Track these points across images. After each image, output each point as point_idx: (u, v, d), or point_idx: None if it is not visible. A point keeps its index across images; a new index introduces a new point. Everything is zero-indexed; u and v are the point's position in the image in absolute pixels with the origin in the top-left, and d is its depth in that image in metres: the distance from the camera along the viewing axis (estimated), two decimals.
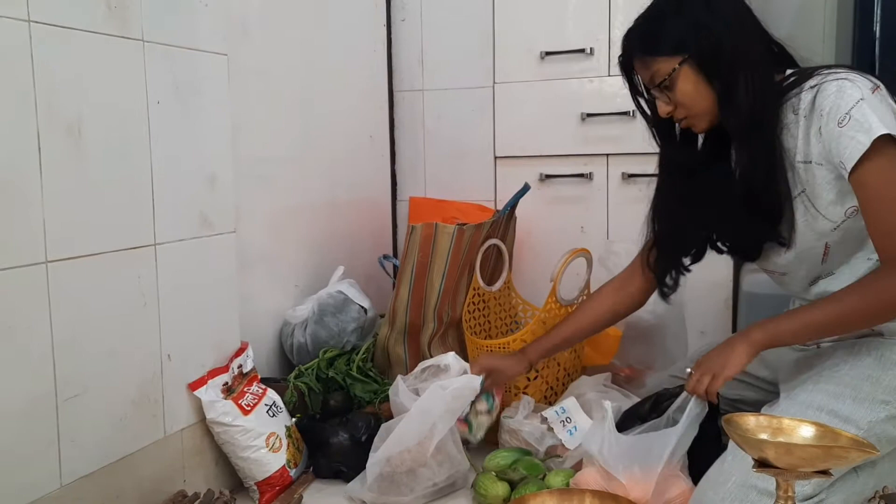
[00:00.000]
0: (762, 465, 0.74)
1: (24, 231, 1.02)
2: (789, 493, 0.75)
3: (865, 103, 1.05)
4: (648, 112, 1.29)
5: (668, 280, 1.36)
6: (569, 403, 1.50)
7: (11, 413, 1.01)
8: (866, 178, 1.06)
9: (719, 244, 1.33)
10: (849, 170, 1.06)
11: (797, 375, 1.20)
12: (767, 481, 1.02)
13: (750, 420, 0.78)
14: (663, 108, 1.22)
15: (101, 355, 1.15)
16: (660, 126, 1.29)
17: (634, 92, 1.29)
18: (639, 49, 1.22)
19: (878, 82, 1.10)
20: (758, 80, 1.15)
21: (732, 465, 1.07)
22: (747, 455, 0.82)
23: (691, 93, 1.17)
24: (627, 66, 1.26)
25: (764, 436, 0.76)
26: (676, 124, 1.26)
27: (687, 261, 1.36)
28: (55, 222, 1.06)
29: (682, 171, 1.30)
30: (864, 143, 1.04)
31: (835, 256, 1.19)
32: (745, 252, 1.32)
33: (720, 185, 1.25)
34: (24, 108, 1.01)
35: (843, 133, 1.06)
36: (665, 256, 1.35)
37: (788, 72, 1.18)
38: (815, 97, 1.10)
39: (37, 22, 1.02)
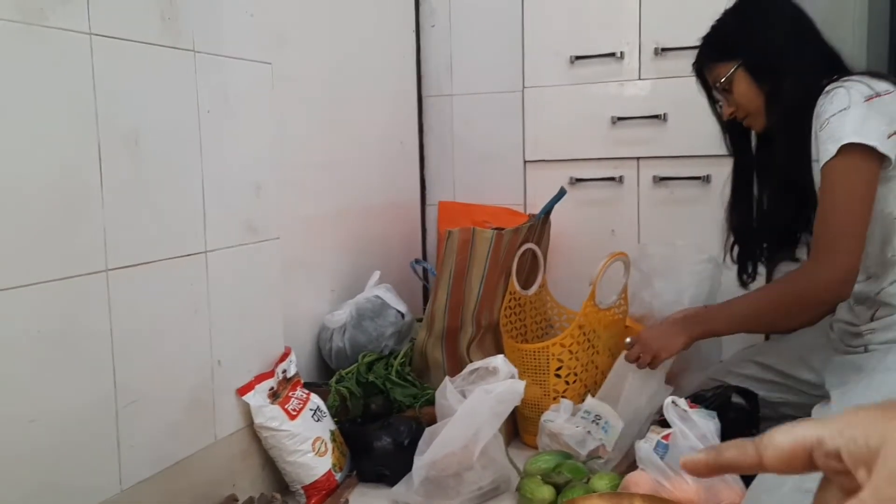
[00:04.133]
0: None
1: (87, 240, 1.04)
2: None
3: (848, 112, 1.14)
4: (720, 116, 1.44)
5: (748, 269, 1.50)
6: (590, 404, 1.50)
7: (75, 419, 1.02)
8: (824, 180, 1.16)
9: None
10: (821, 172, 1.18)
11: (847, 378, 1.21)
12: None
13: None
14: (726, 111, 1.36)
15: (157, 362, 1.17)
16: (732, 129, 1.43)
17: (708, 96, 1.44)
18: (703, 55, 1.37)
19: (891, 88, 1.13)
20: (803, 83, 1.23)
21: None
22: None
23: (746, 94, 1.31)
24: (701, 72, 1.40)
25: None
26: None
27: (766, 252, 1.48)
28: (114, 231, 1.08)
29: (750, 170, 1.44)
30: (831, 150, 1.13)
31: None
32: (788, 239, 1.44)
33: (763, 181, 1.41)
34: (86, 119, 1.03)
35: (821, 137, 1.17)
36: (743, 250, 1.49)
37: (835, 76, 1.21)
38: (822, 101, 1.20)
39: (97, 35, 1.04)
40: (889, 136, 1.12)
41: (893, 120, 1.13)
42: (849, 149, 1.11)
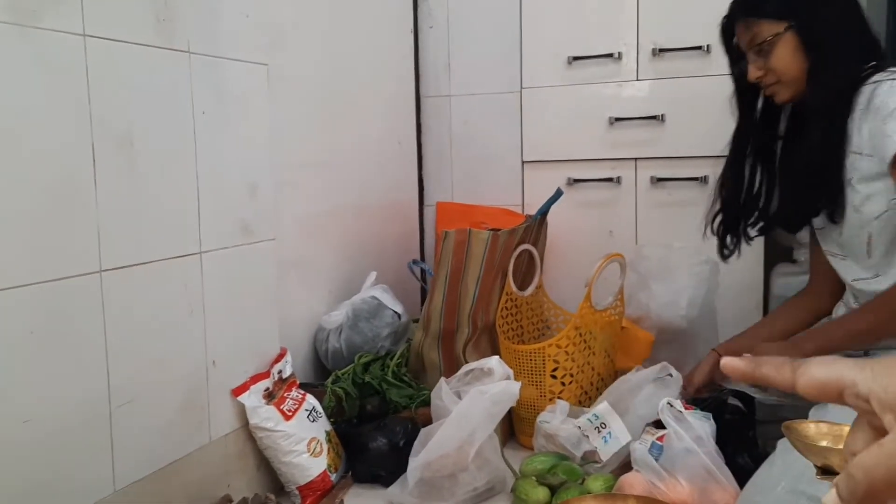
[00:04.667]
0: (825, 472, 0.74)
1: (81, 241, 1.04)
2: None
3: None
4: (738, 79, 1.38)
5: (728, 243, 1.48)
6: (602, 409, 1.51)
7: (69, 419, 1.03)
8: None
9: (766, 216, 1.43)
10: (888, 162, 1.13)
11: None
12: (816, 488, 1.03)
13: (810, 427, 0.78)
14: (754, 73, 1.29)
15: (151, 362, 1.17)
16: (744, 96, 1.39)
17: (729, 56, 1.38)
18: (745, 10, 1.30)
19: None
20: (848, 63, 1.23)
21: (782, 470, 1.08)
22: (796, 461, 0.82)
23: (786, 60, 1.25)
24: (728, 28, 1.35)
25: (825, 443, 0.77)
26: (759, 99, 1.37)
27: (752, 231, 1.46)
28: (109, 232, 1.08)
29: (752, 142, 1.41)
30: None
31: (876, 249, 1.24)
32: (790, 221, 1.41)
33: (784, 159, 1.38)
34: (80, 120, 1.03)
35: (886, 128, 1.13)
36: (728, 222, 1.47)
37: (870, 64, 1.22)
38: (872, 92, 1.17)
39: (91, 36, 1.04)
40: None
41: None
42: None
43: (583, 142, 2.06)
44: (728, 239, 1.48)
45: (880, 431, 0.34)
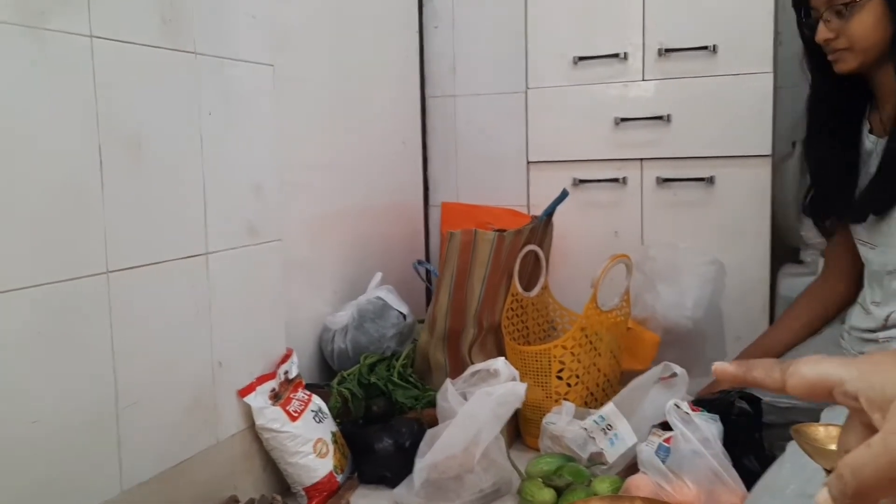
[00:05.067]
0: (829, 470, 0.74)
1: (88, 242, 1.04)
2: None
3: None
4: (807, 38, 1.32)
5: (826, 224, 1.43)
6: (608, 411, 1.50)
7: (76, 420, 1.03)
8: None
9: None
10: None
11: None
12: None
13: (820, 430, 0.78)
14: (823, 34, 1.22)
15: (158, 363, 1.17)
16: (815, 57, 1.32)
17: (797, 9, 1.32)
18: None
19: None
20: None
21: (791, 473, 1.07)
22: (806, 464, 0.82)
23: (868, 26, 1.19)
24: None
25: (834, 446, 0.76)
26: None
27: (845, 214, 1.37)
28: (115, 233, 1.08)
29: (831, 110, 1.34)
30: None
31: None
32: (868, 209, 1.30)
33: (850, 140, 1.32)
34: (87, 121, 1.03)
35: None
36: (818, 202, 1.40)
37: None
38: None
39: (98, 37, 1.04)
40: None
41: None
42: None
43: (588, 142, 2.06)
44: (824, 221, 1.41)
45: (871, 429, 0.35)
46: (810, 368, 0.37)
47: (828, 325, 1.52)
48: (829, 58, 1.27)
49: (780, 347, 1.53)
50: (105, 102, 1.06)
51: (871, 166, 1.32)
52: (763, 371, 0.39)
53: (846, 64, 1.24)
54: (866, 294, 1.38)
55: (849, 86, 1.32)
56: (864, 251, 1.36)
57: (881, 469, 0.32)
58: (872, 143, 1.33)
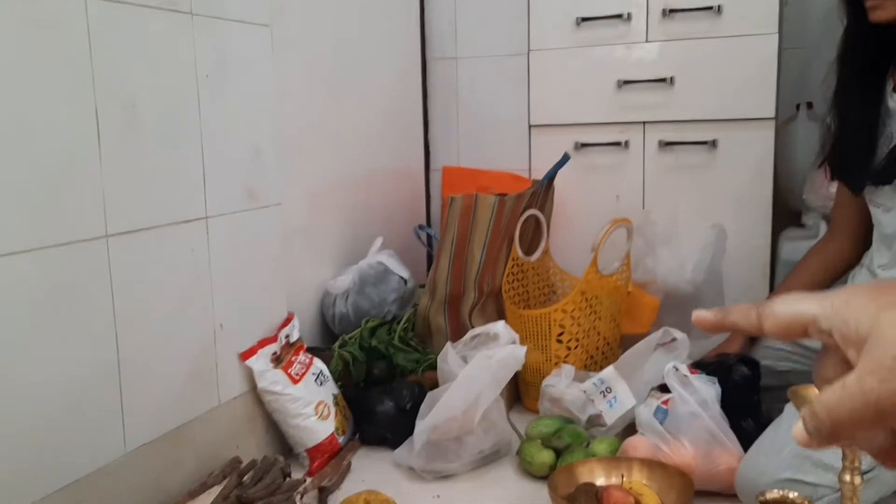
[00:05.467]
0: None
1: (86, 205, 1.04)
2: (856, 464, 0.76)
3: None
4: None
5: (853, 181, 1.35)
6: (607, 374, 1.51)
7: (79, 383, 1.04)
8: None
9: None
10: None
11: None
12: (821, 453, 1.03)
13: (816, 392, 0.79)
14: None
15: (159, 326, 1.18)
16: (852, 1, 1.27)
17: None
18: None
19: None
20: None
21: (788, 434, 1.08)
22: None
23: None
24: None
25: None
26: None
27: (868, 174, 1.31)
28: (114, 197, 1.07)
29: (862, 59, 1.28)
30: None
31: None
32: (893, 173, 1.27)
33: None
34: (82, 84, 1.02)
35: None
36: (839, 159, 1.35)
37: None
38: None
39: None
40: None
41: None
42: None
43: (590, 105, 2.04)
44: (846, 179, 1.36)
45: (847, 363, 0.35)
46: (784, 307, 0.37)
47: (833, 284, 1.51)
48: (868, 4, 1.21)
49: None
50: (101, 63, 1.04)
51: (892, 127, 1.28)
52: (739, 314, 0.39)
53: (886, 11, 1.19)
54: (873, 257, 1.37)
55: (877, 39, 1.27)
56: (876, 213, 1.33)
57: (856, 410, 0.32)
58: (895, 103, 1.29)
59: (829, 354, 0.36)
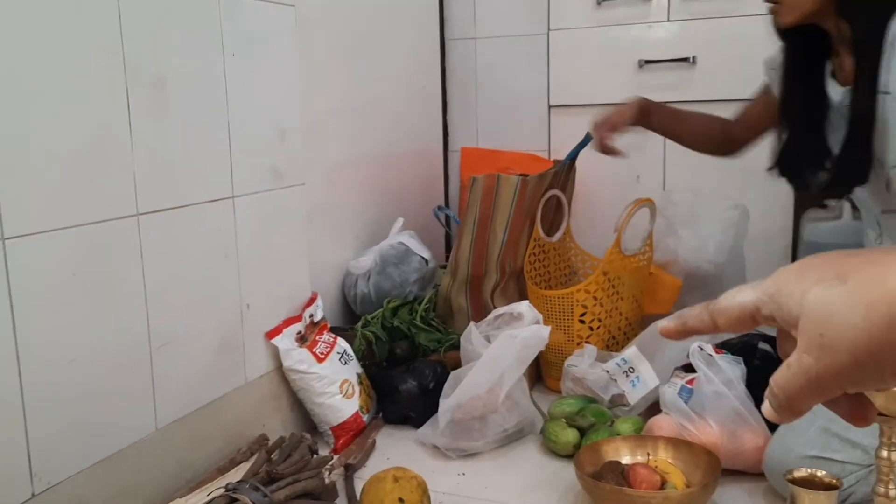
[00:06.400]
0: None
1: (118, 184, 1.04)
2: (893, 440, 0.76)
3: None
4: None
5: (799, 176, 1.33)
6: (630, 353, 1.51)
7: (113, 360, 1.05)
8: None
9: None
10: None
11: None
12: (849, 431, 1.04)
13: None
14: None
15: (188, 305, 1.19)
16: None
17: None
18: None
19: None
20: None
21: (815, 411, 1.08)
22: None
23: None
24: None
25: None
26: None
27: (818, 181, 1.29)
28: (144, 175, 1.08)
29: (799, 63, 1.28)
30: None
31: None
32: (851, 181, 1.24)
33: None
34: (113, 63, 1.02)
35: None
36: (785, 162, 1.34)
37: None
38: None
39: None
40: None
41: None
42: None
43: (611, 85, 2.02)
44: (799, 175, 1.33)
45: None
46: (729, 303, 0.38)
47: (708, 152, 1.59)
48: (769, 11, 1.22)
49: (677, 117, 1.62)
50: (131, 44, 1.04)
51: (836, 123, 1.25)
52: (695, 319, 0.41)
53: (783, 18, 1.19)
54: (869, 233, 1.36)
55: (801, 42, 1.26)
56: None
57: (802, 386, 0.35)
58: (839, 96, 1.24)
59: (783, 334, 0.38)
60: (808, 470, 0.99)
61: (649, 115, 1.58)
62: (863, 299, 0.33)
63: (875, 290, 0.33)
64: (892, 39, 1.09)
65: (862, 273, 0.33)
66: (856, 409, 0.39)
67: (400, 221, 1.84)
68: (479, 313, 1.62)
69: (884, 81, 1.10)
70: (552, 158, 2.06)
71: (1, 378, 0.89)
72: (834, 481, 0.97)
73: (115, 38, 1.02)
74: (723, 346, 1.38)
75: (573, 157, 1.80)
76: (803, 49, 1.26)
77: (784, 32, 1.26)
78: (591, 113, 2.04)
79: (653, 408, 1.40)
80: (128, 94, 1.05)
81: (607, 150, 1.55)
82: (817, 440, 1.06)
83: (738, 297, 0.38)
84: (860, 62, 1.14)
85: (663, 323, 0.43)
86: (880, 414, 0.75)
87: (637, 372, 1.49)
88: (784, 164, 1.35)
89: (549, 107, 2.10)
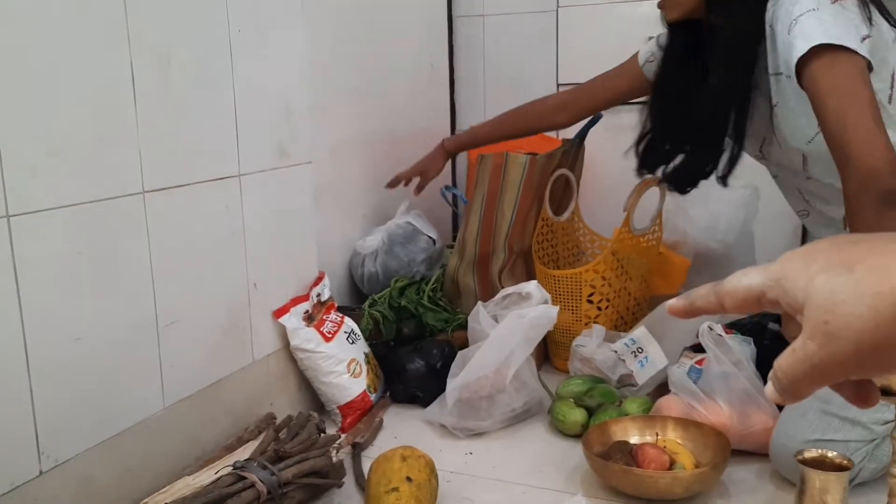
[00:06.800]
0: (885, 393, 0.74)
1: (123, 161, 1.04)
2: None
3: (816, 13, 1.03)
4: None
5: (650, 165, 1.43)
6: (639, 334, 1.51)
7: (120, 338, 1.04)
8: (808, 84, 1.04)
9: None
10: (792, 76, 1.07)
11: None
12: (847, 409, 1.03)
13: None
14: None
15: (195, 284, 1.18)
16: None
17: None
18: None
19: None
20: None
21: (816, 393, 1.07)
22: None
23: None
24: None
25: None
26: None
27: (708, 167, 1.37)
28: (150, 152, 1.07)
29: (673, 55, 1.37)
30: (802, 48, 1.03)
31: (814, 167, 1.22)
32: (696, 169, 1.36)
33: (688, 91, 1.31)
34: (117, 38, 1.01)
35: (790, 39, 1.06)
36: (646, 152, 1.43)
37: None
38: (776, 6, 1.10)
39: None
40: (862, 40, 1.03)
41: (859, 25, 1.04)
42: (824, 48, 1.01)
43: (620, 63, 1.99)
44: (652, 163, 1.44)
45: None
46: (735, 285, 0.39)
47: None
48: (658, 6, 1.30)
49: (478, 140, 1.71)
50: (135, 18, 1.03)
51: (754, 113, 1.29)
52: (702, 300, 0.41)
53: (669, 13, 1.27)
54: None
55: (692, 33, 1.30)
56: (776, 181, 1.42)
57: (806, 372, 0.35)
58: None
59: (789, 317, 0.38)
60: (819, 451, 0.98)
61: (459, 150, 1.73)
62: (869, 289, 0.33)
63: (882, 281, 0.33)
64: (769, 23, 1.12)
65: (868, 262, 0.34)
66: (859, 392, 0.39)
67: (407, 201, 1.83)
68: (487, 293, 1.61)
69: (773, 64, 1.14)
70: (561, 137, 2.04)
71: (8, 357, 0.89)
72: (845, 462, 0.97)
73: (120, 13, 1.01)
74: (732, 326, 1.37)
75: (583, 135, 1.78)
76: (685, 42, 1.33)
77: (672, 27, 1.34)
78: None
79: (661, 388, 1.40)
80: (133, 70, 1.03)
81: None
82: (817, 423, 1.06)
83: (745, 281, 0.38)
84: (720, 59, 1.19)
85: (672, 301, 0.43)
86: (893, 394, 0.74)
87: (645, 352, 1.48)
88: (642, 147, 1.44)
89: (558, 85, 2.08)
